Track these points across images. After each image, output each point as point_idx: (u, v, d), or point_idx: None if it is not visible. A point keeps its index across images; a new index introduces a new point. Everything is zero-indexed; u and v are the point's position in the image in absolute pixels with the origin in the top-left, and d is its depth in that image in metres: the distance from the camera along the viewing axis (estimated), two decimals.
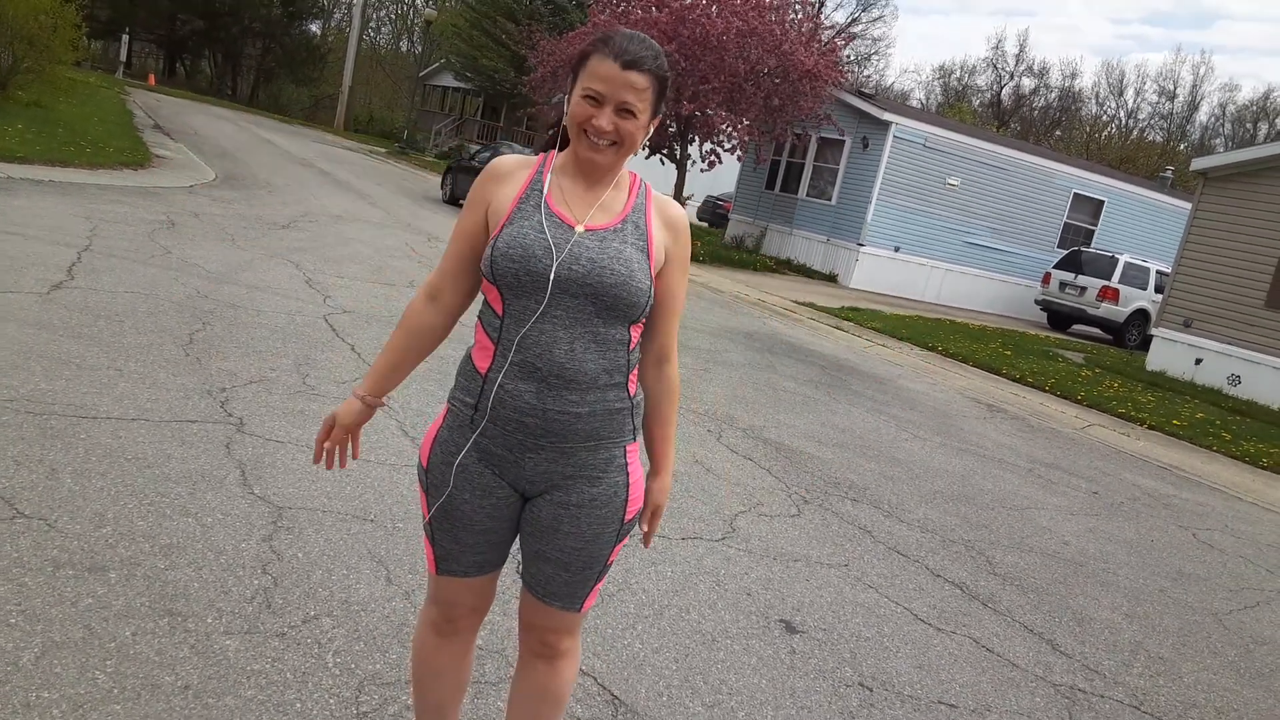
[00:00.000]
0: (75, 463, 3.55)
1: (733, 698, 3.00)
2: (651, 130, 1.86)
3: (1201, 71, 71.86)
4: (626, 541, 2.00)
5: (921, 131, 19.46)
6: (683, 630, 3.36)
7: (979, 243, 20.70)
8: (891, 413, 8.09)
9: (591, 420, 1.84)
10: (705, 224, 29.58)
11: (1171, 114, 55.09)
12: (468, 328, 2.03)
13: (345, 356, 5.92)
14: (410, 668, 2.16)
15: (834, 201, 20.24)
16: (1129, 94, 60.55)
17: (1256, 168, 14.07)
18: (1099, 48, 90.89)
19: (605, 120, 1.77)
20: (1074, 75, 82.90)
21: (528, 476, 1.88)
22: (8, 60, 16.06)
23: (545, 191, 1.85)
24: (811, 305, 14.92)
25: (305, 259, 8.98)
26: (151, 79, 44.29)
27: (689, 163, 19.47)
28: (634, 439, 1.95)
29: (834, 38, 23.95)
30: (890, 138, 18.94)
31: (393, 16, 62.10)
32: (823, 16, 20.14)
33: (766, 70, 18.01)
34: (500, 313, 1.82)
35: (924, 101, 59.27)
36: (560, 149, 1.94)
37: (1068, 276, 19.02)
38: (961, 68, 74.54)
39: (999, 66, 58.17)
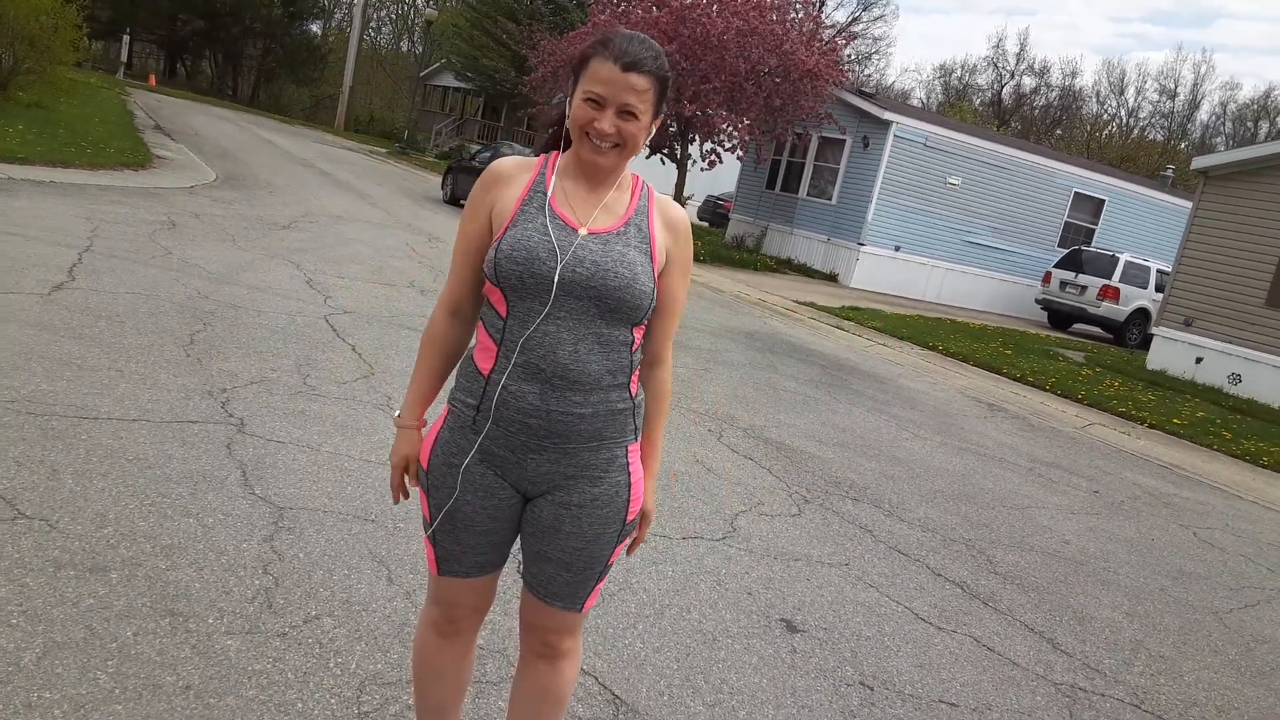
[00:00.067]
0: (76, 463, 3.56)
1: (733, 697, 3.00)
2: (654, 131, 1.87)
3: (1202, 70, 71.73)
4: (628, 541, 2.00)
5: (922, 131, 19.46)
6: (684, 630, 3.36)
7: (979, 242, 20.70)
8: (892, 412, 8.09)
9: (594, 421, 1.85)
10: (706, 223, 29.57)
11: (1172, 113, 55.08)
12: None
13: (346, 357, 5.92)
14: (411, 668, 2.16)
15: (834, 201, 20.24)
16: (1130, 93, 60.57)
17: (1257, 166, 14.07)
18: (1099, 46, 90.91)
19: (607, 123, 1.77)
20: (1074, 74, 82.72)
21: (530, 477, 1.88)
22: (9, 61, 16.07)
23: (549, 194, 1.85)
24: (812, 305, 14.92)
25: (306, 259, 8.99)
26: (152, 79, 44.31)
27: (689, 162, 19.47)
28: (635, 439, 1.95)
29: (835, 37, 23.95)
30: (891, 137, 18.94)
31: (393, 16, 62.13)
32: (823, 16, 20.08)
33: (767, 70, 18.00)
34: (504, 314, 1.82)
35: (924, 101, 59.29)
36: (562, 150, 1.94)
37: (1068, 275, 19.01)
38: (962, 67, 74.49)
39: (999, 65, 58.18)
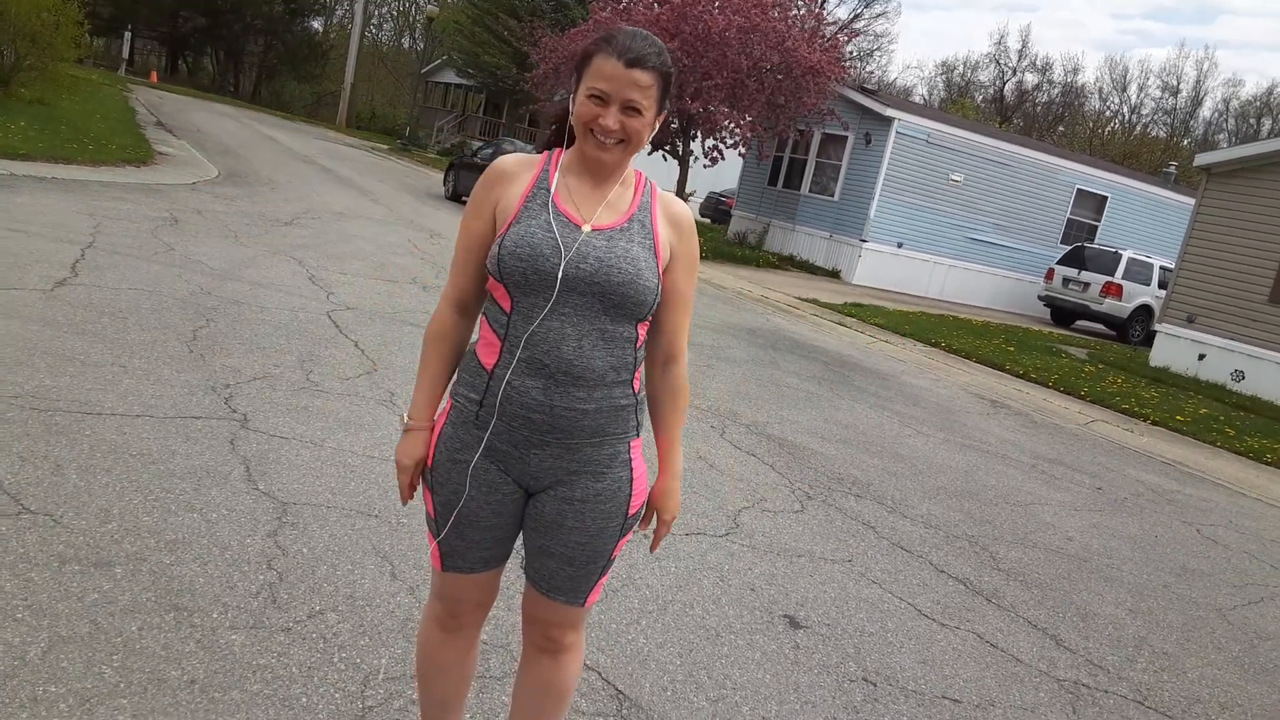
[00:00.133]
0: (80, 459, 3.56)
1: (737, 692, 3.00)
2: (658, 126, 1.87)
3: (1205, 67, 71.59)
4: (630, 536, 2.00)
5: (924, 127, 19.43)
6: (687, 625, 3.37)
7: (982, 239, 20.68)
8: (895, 409, 8.09)
9: (598, 417, 1.85)
10: (708, 220, 29.57)
11: (1175, 109, 54.98)
12: None
13: (349, 353, 5.92)
14: (415, 662, 2.16)
15: (837, 197, 20.22)
16: (1132, 89, 60.48)
17: (1260, 163, 14.04)
18: (1102, 43, 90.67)
19: (611, 119, 1.77)
20: (1076, 70, 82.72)
21: (533, 472, 1.88)
22: (10, 58, 16.08)
23: (552, 190, 1.85)
24: (814, 301, 14.91)
25: (308, 255, 8.99)
26: (154, 76, 44.30)
27: (691, 159, 19.45)
28: (638, 435, 1.95)
29: (837, 33, 23.92)
30: (893, 134, 18.91)
31: (395, 13, 62.13)
32: (825, 12, 20.03)
33: (769, 67, 17.98)
34: (508, 309, 1.82)
35: (927, 97, 59.19)
36: (566, 146, 1.94)
37: (1071, 272, 19.00)
38: (964, 63, 74.58)
39: (1002, 62, 58.07)
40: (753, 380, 7.92)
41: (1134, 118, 56.37)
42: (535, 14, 30.57)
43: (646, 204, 1.90)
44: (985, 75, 59.93)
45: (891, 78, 59.76)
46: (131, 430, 3.94)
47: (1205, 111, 55.60)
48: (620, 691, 2.86)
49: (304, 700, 2.47)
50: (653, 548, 2.06)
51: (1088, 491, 6.73)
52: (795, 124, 19.22)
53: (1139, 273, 18.60)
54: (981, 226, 20.56)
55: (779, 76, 18.12)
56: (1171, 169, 27.51)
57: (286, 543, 3.29)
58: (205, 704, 2.36)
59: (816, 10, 19.55)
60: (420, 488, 1.99)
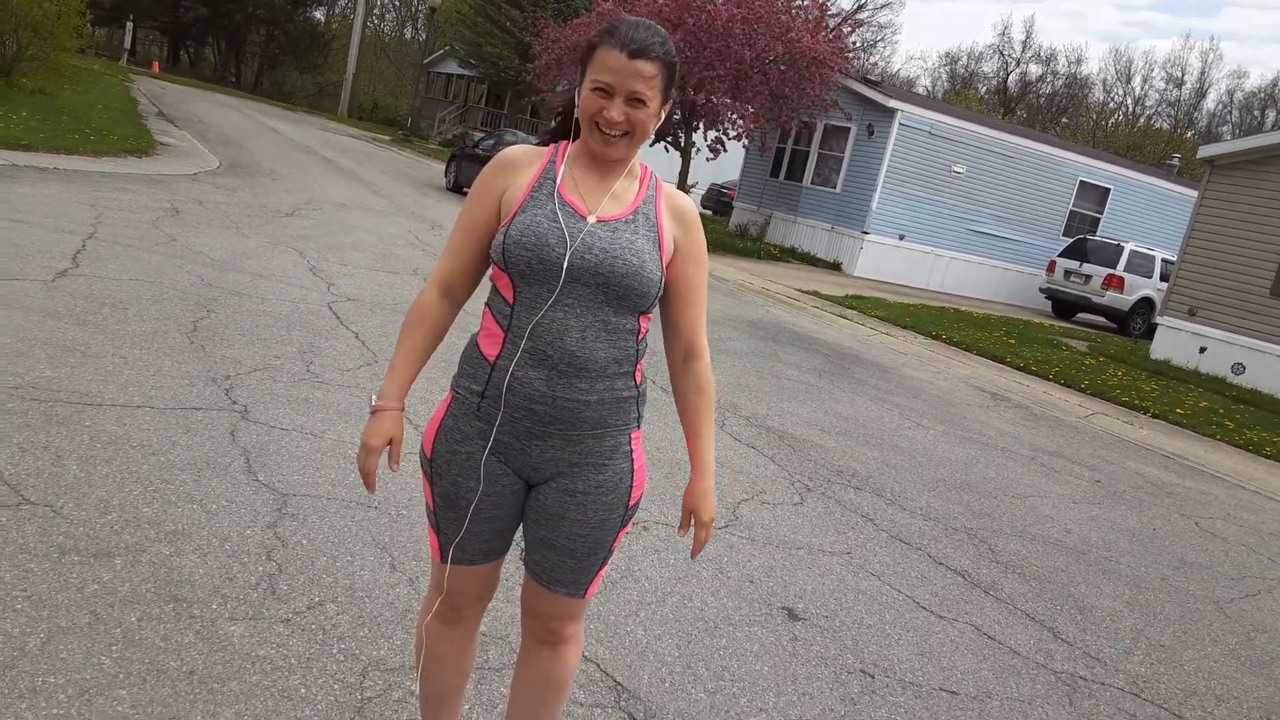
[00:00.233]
0: (80, 449, 3.57)
1: (735, 684, 3.01)
2: (663, 117, 1.86)
3: (1210, 58, 71.57)
4: (630, 528, 2.00)
5: (927, 119, 19.39)
6: (685, 617, 3.38)
7: (984, 230, 20.64)
8: (895, 401, 8.09)
9: (600, 408, 1.85)
10: (710, 211, 29.52)
11: (1179, 101, 54.86)
12: (469, 314, 2.03)
13: (349, 344, 5.93)
14: (414, 654, 2.17)
15: (839, 189, 20.19)
16: (1136, 81, 60.34)
17: (1264, 155, 14.00)
18: (1106, 34, 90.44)
19: (616, 111, 1.77)
20: (1080, 62, 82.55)
21: (534, 464, 1.88)
22: (12, 47, 16.06)
23: (558, 181, 1.85)
24: (815, 293, 14.90)
25: (309, 247, 8.99)
26: (155, 66, 44.25)
27: (694, 150, 19.41)
28: (638, 427, 1.96)
29: (841, 24, 23.85)
30: (896, 125, 18.87)
31: (396, 3, 61.94)
32: (829, 3, 19.95)
33: (773, 58, 17.93)
34: (511, 300, 1.83)
35: (930, 89, 59.06)
36: (572, 139, 1.94)
37: (1073, 264, 18.97)
38: (968, 54, 74.30)
39: (1005, 53, 58.01)
40: (753, 372, 7.93)
41: (1138, 109, 56.26)
42: (538, 4, 30.48)
43: (651, 197, 1.90)
44: (989, 66, 59.87)
45: (895, 69, 59.63)
46: (132, 421, 3.95)
47: (1209, 104, 55.53)
48: (619, 683, 2.87)
49: (303, 691, 2.48)
50: (694, 553, 2.02)
51: (1087, 484, 6.74)
52: (798, 115, 19.17)
53: (1141, 265, 18.57)
54: (984, 218, 20.53)
55: (782, 67, 18.07)
56: (1175, 161, 27.43)
57: (286, 534, 3.30)
58: (204, 695, 2.37)
59: (820, 1, 19.45)
60: (419, 477, 1.99)
